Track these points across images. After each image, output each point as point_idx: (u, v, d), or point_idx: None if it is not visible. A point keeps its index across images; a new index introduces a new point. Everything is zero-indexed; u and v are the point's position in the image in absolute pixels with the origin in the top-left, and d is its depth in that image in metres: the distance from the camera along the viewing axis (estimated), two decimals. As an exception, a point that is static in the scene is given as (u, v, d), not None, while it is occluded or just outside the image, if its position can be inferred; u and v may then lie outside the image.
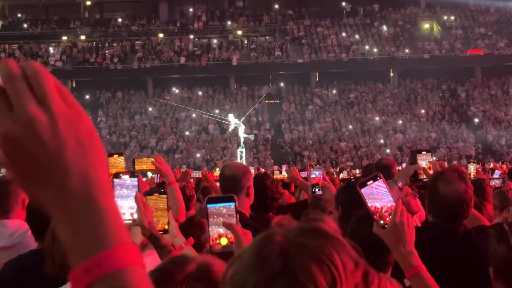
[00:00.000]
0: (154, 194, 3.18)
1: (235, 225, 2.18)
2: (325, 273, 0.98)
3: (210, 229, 2.24)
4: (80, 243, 0.83)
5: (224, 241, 2.23)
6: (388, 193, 2.34)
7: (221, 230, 2.23)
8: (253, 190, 4.17)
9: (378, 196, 2.31)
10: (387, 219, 2.32)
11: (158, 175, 8.27)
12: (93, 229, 0.84)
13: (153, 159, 4.35)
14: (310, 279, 0.97)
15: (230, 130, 33.32)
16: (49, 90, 0.84)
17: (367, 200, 2.28)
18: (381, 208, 2.31)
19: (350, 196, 3.31)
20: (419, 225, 4.62)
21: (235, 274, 1.02)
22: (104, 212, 0.84)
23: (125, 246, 0.84)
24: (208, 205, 2.26)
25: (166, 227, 3.07)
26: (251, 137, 34.02)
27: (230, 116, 32.65)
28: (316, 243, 1.01)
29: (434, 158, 5.72)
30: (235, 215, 2.24)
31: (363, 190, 2.31)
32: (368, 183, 2.31)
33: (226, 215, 2.24)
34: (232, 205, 2.26)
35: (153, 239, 2.85)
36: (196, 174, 11.31)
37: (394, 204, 2.32)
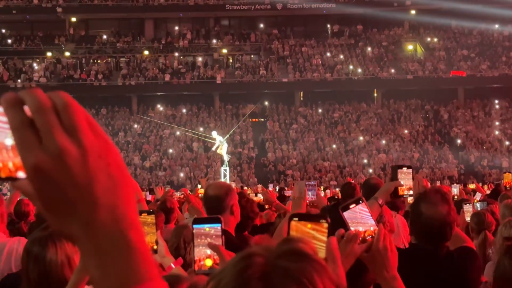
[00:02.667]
0: (143, 214, 3.15)
1: (221, 246, 2.17)
2: None
3: (195, 250, 2.22)
4: (108, 278, 0.82)
5: (209, 263, 2.21)
6: (371, 217, 2.30)
7: (207, 251, 2.21)
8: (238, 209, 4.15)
9: (361, 220, 2.26)
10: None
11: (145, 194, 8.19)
12: (121, 265, 0.82)
13: None
14: None
15: (214, 149, 32.88)
16: (79, 122, 0.82)
17: (350, 224, 2.24)
18: (364, 232, 2.28)
19: (339, 217, 3.29)
20: (407, 245, 4.61)
21: None
22: (133, 247, 0.83)
23: (154, 282, 0.82)
24: (194, 226, 2.24)
25: (155, 247, 3.04)
26: (228, 157, 32.95)
27: (214, 133, 32.46)
28: (298, 266, 1.00)
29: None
30: (221, 237, 2.23)
31: (346, 214, 2.27)
32: (351, 206, 2.28)
33: (212, 236, 2.22)
34: (218, 226, 2.24)
35: None
36: (177, 194, 11.20)
37: (376, 227, 2.29)
